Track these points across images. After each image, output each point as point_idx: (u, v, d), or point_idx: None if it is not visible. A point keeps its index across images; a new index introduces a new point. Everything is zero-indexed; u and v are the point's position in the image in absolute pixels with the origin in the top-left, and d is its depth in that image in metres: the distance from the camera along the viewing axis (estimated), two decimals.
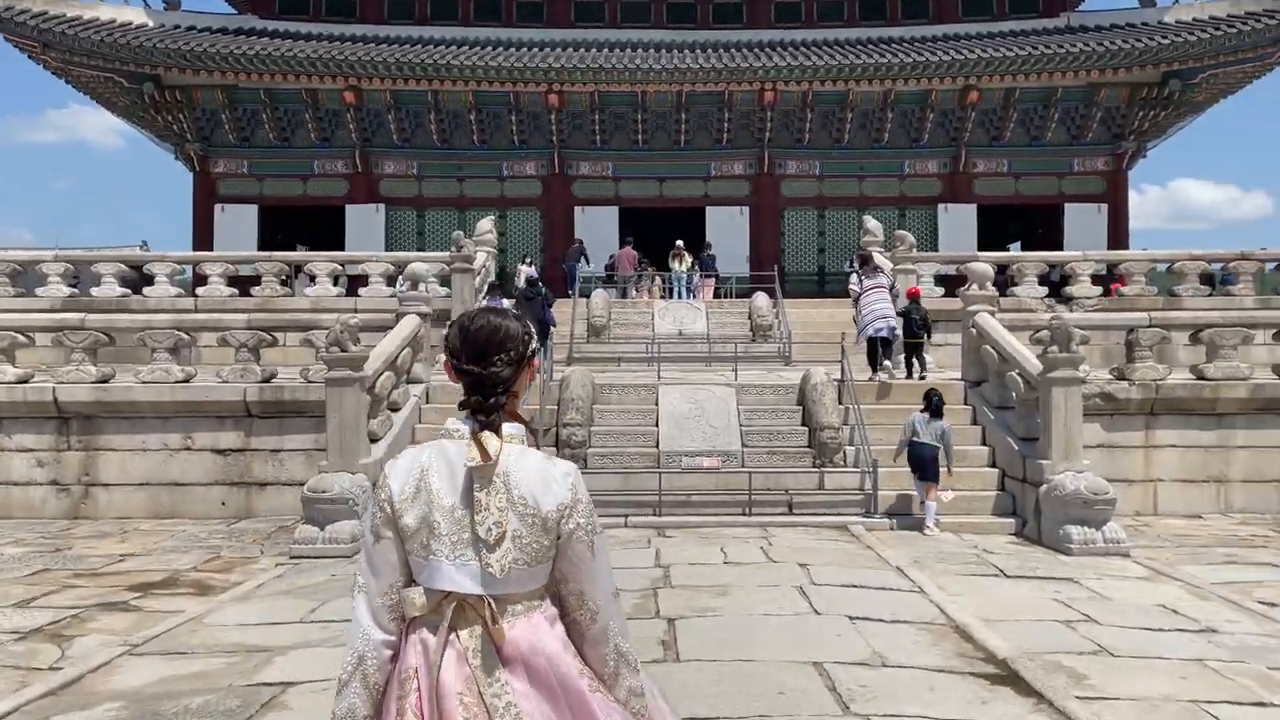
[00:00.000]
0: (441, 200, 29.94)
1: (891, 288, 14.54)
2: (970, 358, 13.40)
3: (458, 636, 2.27)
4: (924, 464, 11.47)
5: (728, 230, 29.45)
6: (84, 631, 7.70)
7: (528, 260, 25.54)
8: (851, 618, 7.34)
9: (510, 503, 2.29)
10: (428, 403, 13.23)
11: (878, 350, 14.17)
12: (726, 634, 6.93)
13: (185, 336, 13.32)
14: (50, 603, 8.61)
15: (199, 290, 18.52)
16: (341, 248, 27.67)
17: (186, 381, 13.11)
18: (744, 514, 11.68)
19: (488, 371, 2.37)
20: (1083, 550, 10.19)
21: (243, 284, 19.37)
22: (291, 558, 10.42)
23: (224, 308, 17.37)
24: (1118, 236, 28.98)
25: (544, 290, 18.98)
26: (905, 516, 11.64)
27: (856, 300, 14.69)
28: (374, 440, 11.64)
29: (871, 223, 19.62)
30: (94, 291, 18.16)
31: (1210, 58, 27.37)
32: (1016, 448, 11.75)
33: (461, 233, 17.40)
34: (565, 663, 2.33)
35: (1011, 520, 11.51)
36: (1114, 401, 12.81)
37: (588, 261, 25.31)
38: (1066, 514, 10.47)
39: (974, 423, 12.93)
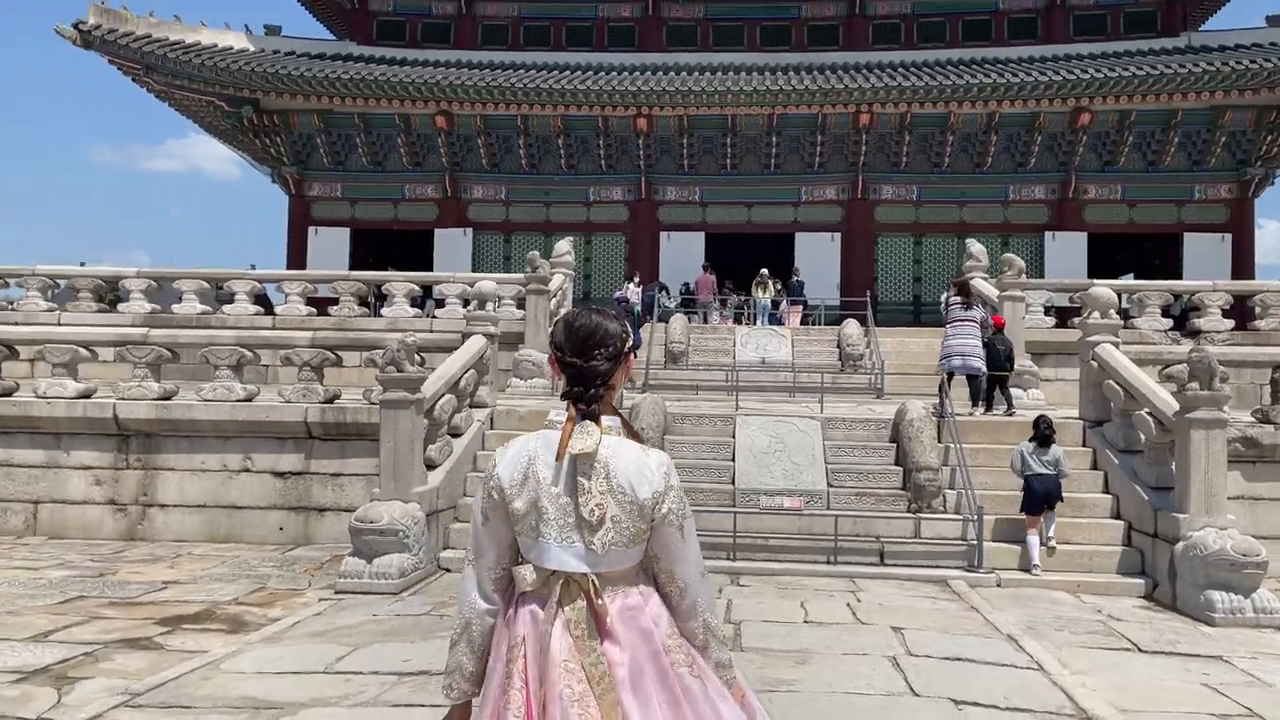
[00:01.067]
0: (528, 225, 29.37)
1: (981, 321, 13.52)
2: (1090, 394, 11.88)
3: (564, 610, 2.48)
4: (1046, 497, 10.26)
5: (817, 257, 28.17)
6: (92, 673, 6.89)
7: (635, 280, 24.73)
8: (957, 702, 6.05)
9: (610, 489, 2.48)
10: (492, 428, 12.32)
11: (946, 385, 12.86)
12: (804, 718, 5.73)
13: (248, 354, 12.69)
14: (70, 636, 7.86)
15: (278, 309, 18.09)
16: (429, 271, 27.27)
17: (248, 400, 12.47)
18: (828, 562, 10.41)
19: (588, 365, 2.55)
20: (1228, 621, 8.65)
21: (325, 304, 18.95)
22: (336, 592, 9.55)
23: (300, 326, 16.85)
24: (1242, 268, 26.68)
25: (636, 310, 18.12)
26: (1014, 571, 10.21)
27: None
28: (431, 467, 10.75)
29: (975, 246, 18.15)
30: (175, 308, 17.90)
31: None
32: (1146, 498, 10.21)
33: (537, 253, 16.59)
34: (656, 638, 2.51)
35: (1140, 581, 9.97)
36: (1257, 447, 11.14)
37: (668, 295, 24.37)
38: (1208, 577, 8.93)
39: (1094, 467, 11.41)
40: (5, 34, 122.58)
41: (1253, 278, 26.07)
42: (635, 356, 3.21)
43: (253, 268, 28.90)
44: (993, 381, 13.54)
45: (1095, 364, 11.70)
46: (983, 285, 17.10)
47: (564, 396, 2.60)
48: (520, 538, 2.55)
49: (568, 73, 27.87)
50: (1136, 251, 29.67)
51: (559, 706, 2.42)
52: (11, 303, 18.30)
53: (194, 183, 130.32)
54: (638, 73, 28.06)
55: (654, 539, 2.55)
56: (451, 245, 28.95)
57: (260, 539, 12.28)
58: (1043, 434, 10.56)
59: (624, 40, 30.51)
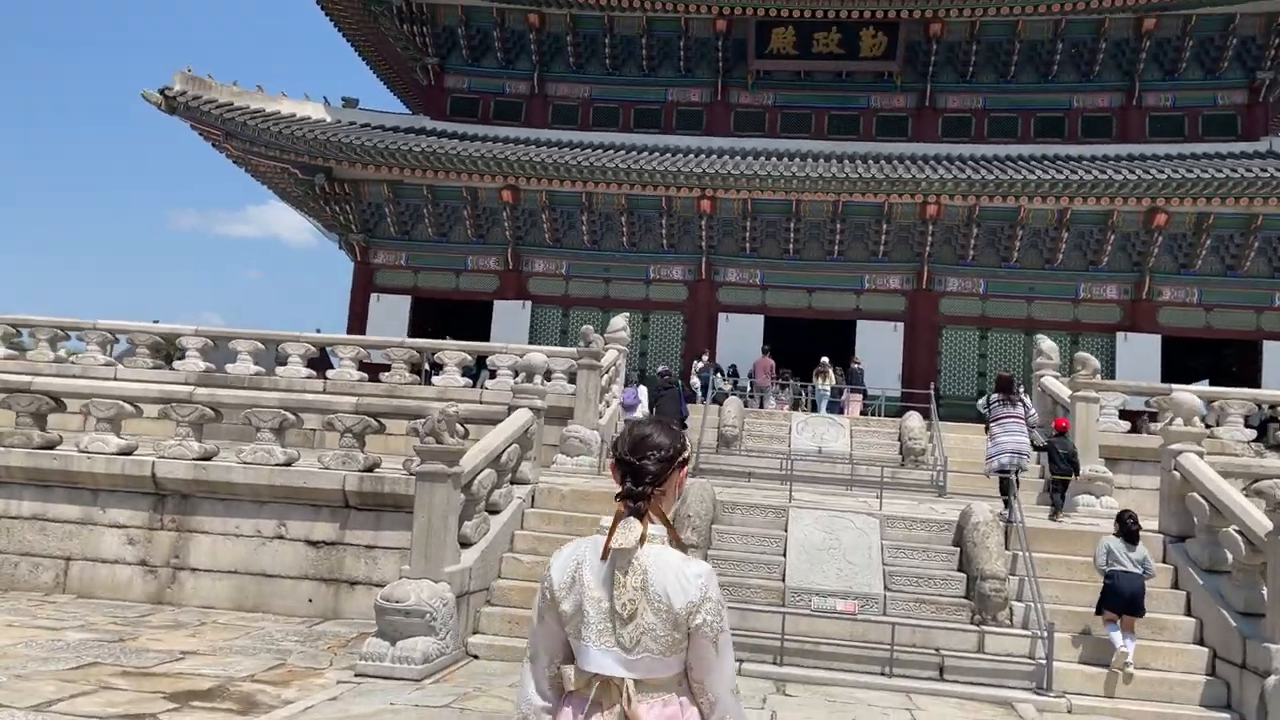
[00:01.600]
0: (587, 300, 29.21)
1: (1028, 417, 13.12)
2: (1172, 506, 11.03)
3: (600, 712, 2.59)
4: (1132, 599, 9.53)
5: (879, 346, 27.47)
6: None
7: (705, 357, 24.55)
8: None
9: (646, 596, 2.56)
10: (533, 507, 11.81)
11: (1011, 486, 12.47)
12: None
13: (291, 416, 12.42)
14: (73, 708, 7.43)
15: (329, 373, 17.95)
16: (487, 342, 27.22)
17: (288, 465, 12.15)
18: (883, 674, 9.61)
19: (639, 462, 2.69)
20: None
21: (379, 370, 18.80)
22: (355, 675, 9.03)
23: (349, 391, 16.63)
24: None
25: (678, 382, 17.62)
26: (1087, 696, 9.31)
27: (988, 427, 13.39)
28: (466, 545, 10.26)
29: (1046, 343, 17.41)
30: (229, 368, 17.84)
31: None
32: (1234, 624, 9.31)
33: (590, 327, 16.26)
34: None
35: (1225, 716, 9.01)
36: None
37: (724, 376, 23.85)
38: None
39: (1176, 586, 10.50)
40: (94, 100, 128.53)
41: None
42: (688, 470, 3.13)
43: (318, 331, 29.26)
44: (1056, 485, 13.24)
45: (1178, 474, 10.87)
46: (1054, 384, 16.33)
47: (617, 497, 2.70)
48: (570, 639, 2.65)
49: (634, 153, 27.96)
50: (1213, 357, 28.48)
51: None
52: (72, 355, 18.43)
53: (270, 248, 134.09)
54: (703, 155, 28.06)
55: (689, 649, 2.59)
56: (510, 317, 28.88)
57: (288, 610, 11.83)
58: (1129, 529, 9.94)
59: (691, 124, 30.62)
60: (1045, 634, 9.47)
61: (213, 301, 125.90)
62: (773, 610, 9.95)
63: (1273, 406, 17.41)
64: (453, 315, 29.73)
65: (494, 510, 11.00)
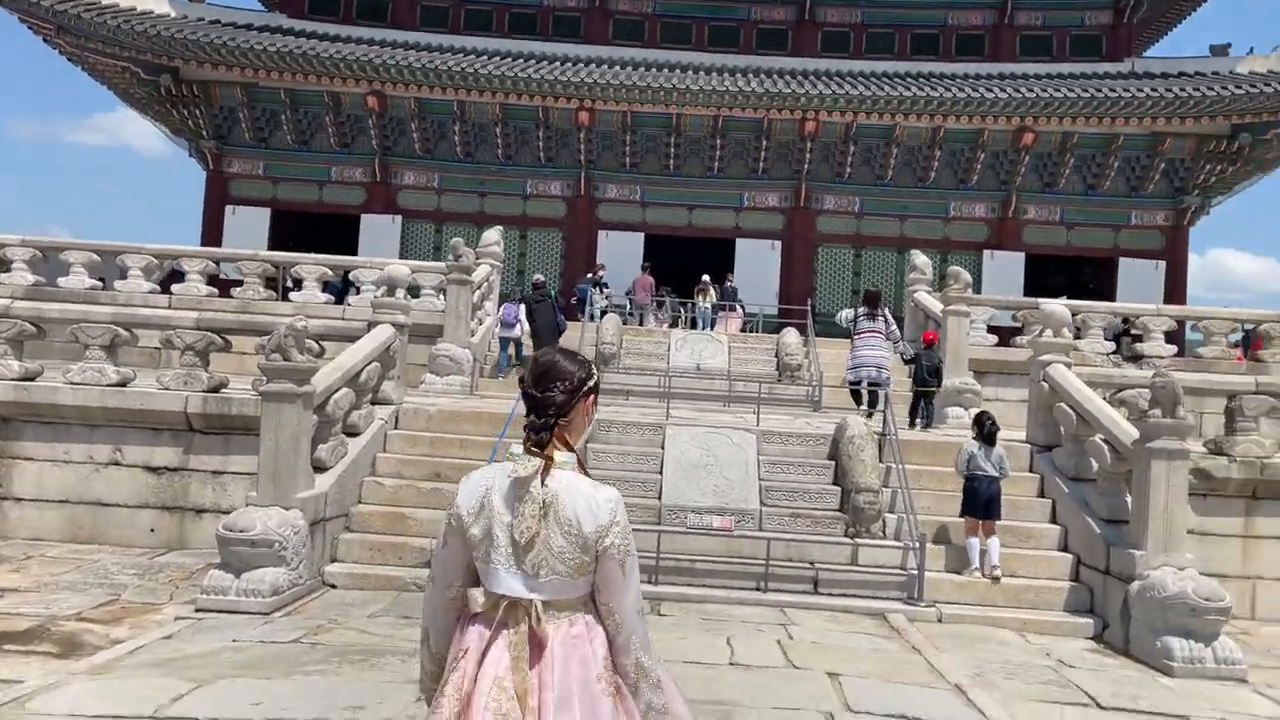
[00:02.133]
0: (461, 215, 27.99)
1: (888, 331, 13.71)
2: (1039, 417, 11.09)
3: (506, 631, 2.61)
4: (990, 501, 9.63)
5: (757, 264, 27.39)
6: None
7: (600, 273, 23.74)
8: None
9: (557, 523, 2.60)
10: (396, 428, 11.08)
11: (862, 396, 13.30)
12: None
13: (124, 333, 11.28)
14: None
15: (174, 287, 16.55)
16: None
17: (122, 385, 11.05)
18: (758, 589, 9.40)
19: (543, 395, 2.70)
20: (1187, 671, 7.84)
21: (233, 287, 17.44)
22: (197, 610, 8.27)
23: (196, 307, 15.37)
24: (1175, 296, 26.49)
25: (553, 294, 17.01)
26: (957, 605, 9.33)
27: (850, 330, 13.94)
28: (321, 470, 9.50)
29: (920, 259, 17.43)
30: (61, 282, 16.25)
31: None
32: (1098, 530, 9.41)
33: (461, 240, 15.37)
34: (593, 668, 2.61)
35: (1089, 621, 9.15)
36: (1210, 480, 10.47)
37: (602, 290, 23.23)
38: (1166, 622, 8.14)
39: (1042, 495, 10.60)
40: None
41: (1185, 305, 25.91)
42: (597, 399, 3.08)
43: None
44: (918, 397, 13.49)
45: (1046, 385, 10.91)
46: (926, 299, 16.36)
47: (524, 428, 2.71)
48: (476, 563, 2.68)
49: (508, 60, 26.63)
50: (1072, 274, 29.40)
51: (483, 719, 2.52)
52: None
53: (122, 159, 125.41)
54: (581, 64, 26.98)
55: (597, 572, 2.64)
56: (379, 232, 27.49)
57: (128, 541, 10.88)
58: (987, 431, 9.96)
59: (568, 31, 29.39)
60: (917, 545, 9.40)
61: (59, 215, 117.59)
62: (649, 529, 9.58)
63: (1127, 320, 17.92)
64: (317, 230, 28.09)
65: (353, 432, 10.24)
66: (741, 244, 27.99)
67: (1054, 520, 10.26)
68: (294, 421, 8.80)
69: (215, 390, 11.00)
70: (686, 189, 28.16)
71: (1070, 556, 9.74)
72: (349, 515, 9.77)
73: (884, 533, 10.07)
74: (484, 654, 2.59)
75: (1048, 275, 28.24)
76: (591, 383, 2.79)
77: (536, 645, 2.58)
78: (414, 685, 6.36)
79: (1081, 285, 29.54)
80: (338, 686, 6.27)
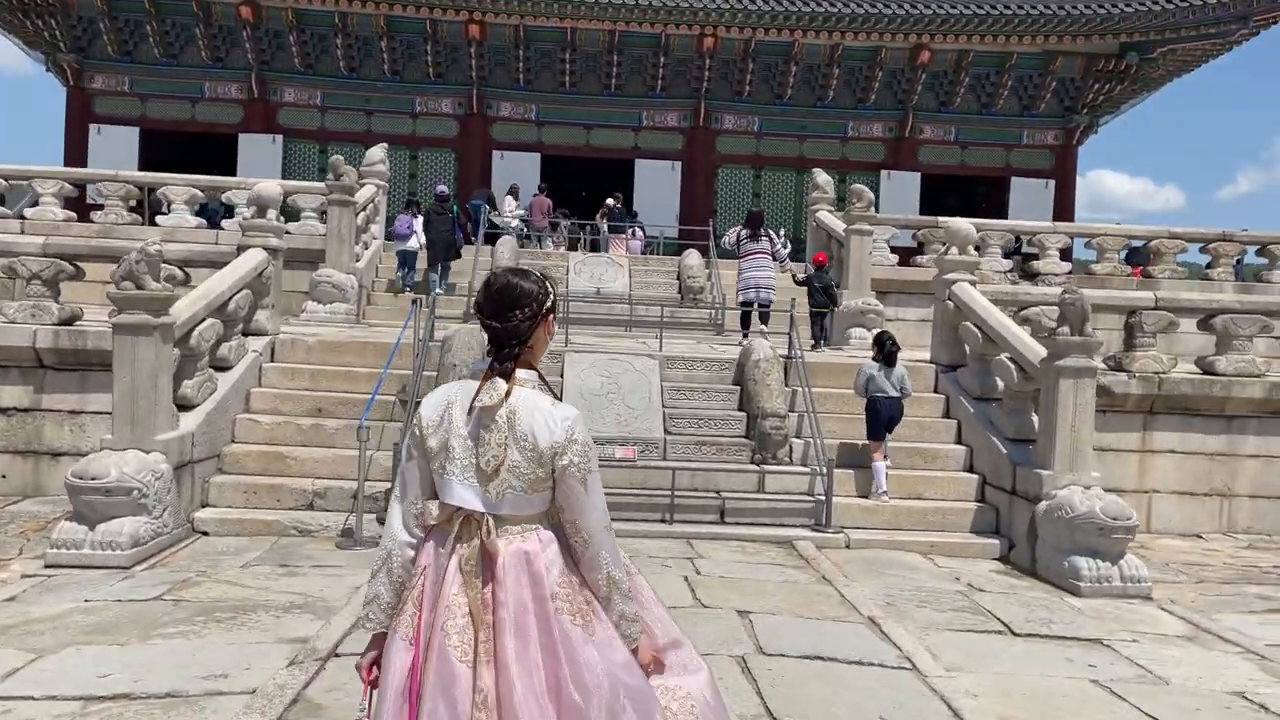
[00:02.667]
0: (346, 135, 26.33)
1: (774, 251, 13.88)
2: (944, 336, 10.82)
3: (460, 546, 2.58)
4: (891, 422, 9.49)
5: (657, 185, 26.68)
6: None
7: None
8: None
9: (513, 438, 2.55)
10: (272, 361, 10.17)
11: (751, 319, 13.35)
12: None
13: None
14: None
15: (27, 212, 15.02)
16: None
17: None
18: (664, 521, 8.96)
19: (505, 326, 2.62)
20: (1094, 590, 7.73)
21: (95, 211, 15.93)
22: (46, 566, 7.40)
23: (52, 233, 13.94)
24: (1064, 215, 26.79)
25: (455, 209, 16.08)
26: (864, 530, 9.07)
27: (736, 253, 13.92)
28: (186, 408, 8.59)
29: (821, 177, 16.98)
30: None
31: (1171, 31, 25.26)
32: (1004, 450, 9.22)
33: (341, 158, 14.24)
34: (546, 584, 2.54)
35: (995, 541, 9.00)
36: (1109, 396, 10.38)
37: (494, 207, 22.18)
38: (1074, 541, 7.99)
39: (947, 415, 10.38)
40: None
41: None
42: (555, 316, 2.82)
43: None
44: (815, 318, 13.50)
45: (951, 304, 10.62)
46: (828, 218, 15.96)
47: (486, 355, 2.69)
48: (434, 475, 2.66)
49: None
50: (966, 194, 29.53)
51: (439, 638, 2.50)
52: None
53: None
54: None
55: (558, 490, 2.60)
56: (259, 152, 25.71)
57: None
58: (887, 351, 9.69)
59: None
60: (824, 471, 9.07)
61: None
62: None
63: (1018, 238, 17.92)
64: (191, 151, 26.07)
65: (223, 366, 9.31)
66: (641, 165, 27.18)
67: (959, 441, 10.07)
68: (151, 356, 7.86)
69: (68, 322, 9.90)
70: (584, 108, 27.08)
71: (976, 477, 9.56)
72: (221, 456, 8.91)
73: (791, 459, 9.72)
74: (440, 570, 2.57)
75: (943, 195, 28.26)
76: (550, 301, 2.68)
77: (489, 560, 2.54)
78: (288, 645, 5.73)
79: (975, 205, 29.72)
80: (200, 650, 5.57)
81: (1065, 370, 8.41)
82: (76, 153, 25.27)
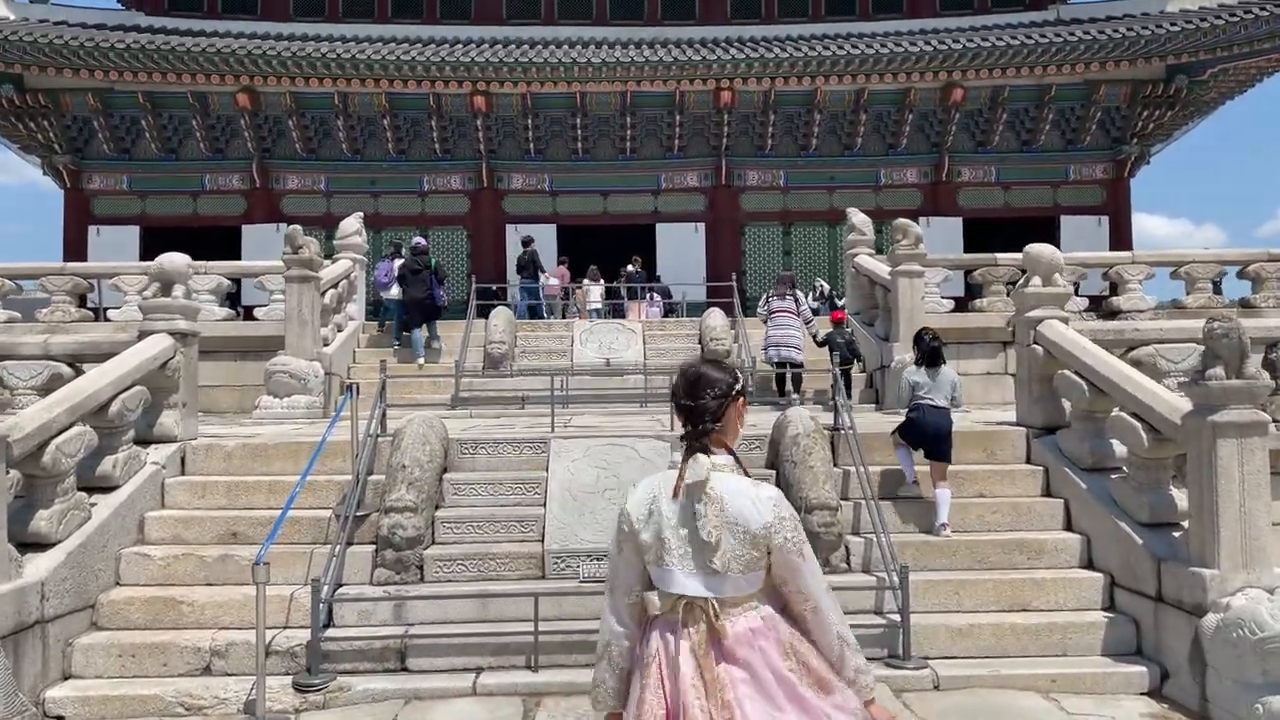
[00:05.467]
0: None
1: (800, 311, 12.85)
2: (1034, 391, 8.32)
3: (689, 631, 2.63)
4: (938, 437, 7.51)
5: (681, 248, 24.64)
6: None
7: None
8: None
9: (724, 521, 2.64)
10: (182, 474, 7.93)
11: (785, 381, 12.32)
12: None
13: None
14: None
15: None
16: None
17: None
18: None
19: (697, 403, 2.77)
20: None
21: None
22: None
23: None
24: (1121, 250, 24.17)
25: (433, 262, 14.24)
26: (953, 661, 6.52)
27: (766, 322, 12.90)
28: (42, 546, 6.37)
29: (858, 217, 14.68)
30: None
31: (1222, 49, 22.92)
32: (1139, 540, 6.66)
33: (299, 228, 12.33)
34: (776, 657, 2.64)
35: (1140, 668, 6.36)
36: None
37: (540, 271, 20.28)
38: (1266, 673, 5.40)
39: (1048, 493, 7.83)
40: None
41: None
42: (747, 401, 2.91)
43: None
44: (842, 375, 11.52)
45: (1040, 348, 8.15)
46: (869, 262, 13.64)
47: (682, 439, 2.83)
48: (650, 567, 2.72)
49: (393, 44, 23.43)
50: (1012, 237, 26.85)
51: (686, 716, 2.56)
52: None
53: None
54: (474, 45, 23.84)
55: (776, 566, 2.68)
56: (263, 243, 23.96)
57: None
58: (930, 349, 7.80)
59: (458, 13, 26.19)
60: (897, 581, 6.57)
61: None
62: (521, 593, 6.62)
63: (1076, 283, 15.42)
64: (194, 246, 24.24)
65: (107, 486, 7.11)
66: (662, 228, 25.15)
67: (1069, 527, 7.51)
68: None
69: None
70: (599, 174, 25.23)
71: (1100, 576, 6.97)
72: (96, 607, 6.63)
73: (848, 563, 7.24)
74: (673, 657, 2.62)
75: (987, 240, 25.71)
76: (739, 386, 2.83)
77: (716, 642, 2.61)
78: None
79: (1022, 248, 27.18)
80: None
81: (1224, 428, 5.89)
82: (76, 255, 23.73)
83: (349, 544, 7.18)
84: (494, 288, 19.37)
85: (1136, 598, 6.63)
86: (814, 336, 12.82)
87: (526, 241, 20.89)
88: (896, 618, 6.56)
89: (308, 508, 7.44)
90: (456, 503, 7.65)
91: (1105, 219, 25.09)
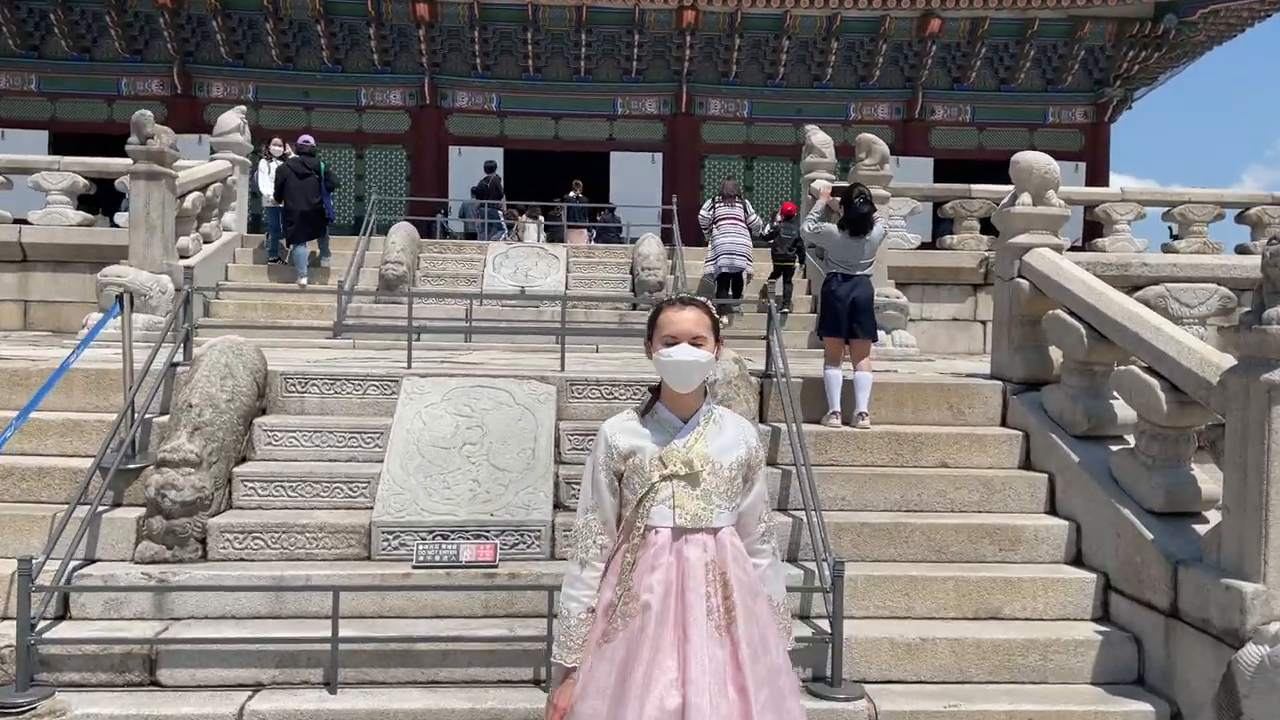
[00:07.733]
0: (283, 133, 22.23)
1: (748, 219, 12.18)
2: (1015, 335, 6.50)
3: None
4: (855, 311, 6.44)
5: (637, 179, 22.66)
6: None
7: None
8: None
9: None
10: None
11: (728, 289, 11.61)
12: None
13: None
14: None
15: None
16: None
17: None
18: (540, 684, 4.70)
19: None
20: None
21: None
22: None
23: None
24: None
25: (322, 166, 12.21)
26: (902, 688, 4.79)
27: (709, 233, 12.17)
28: None
29: (818, 136, 12.82)
30: None
31: None
32: (1148, 533, 4.92)
33: (149, 113, 10.29)
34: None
35: (1145, 706, 4.66)
36: None
37: (499, 194, 18.19)
38: None
39: (1027, 464, 6.06)
40: None
41: None
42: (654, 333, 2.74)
43: None
44: (778, 272, 11.92)
45: (1025, 282, 6.33)
46: (827, 184, 11.74)
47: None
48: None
49: None
50: (986, 180, 25.14)
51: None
52: None
53: None
54: None
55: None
56: (185, 155, 21.56)
57: None
58: (860, 214, 6.49)
59: None
60: (831, 575, 4.79)
61: None
62: (321, 585, 4.79)
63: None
64: (109, 154, 22.07)
65: None
66: (617, 157, 23.12)
67: (1054, 510, 5.76)
68: None
69: None
70: (551, 95, 23.06)
71: (1092, 576, 5.24)
72: None
73: (774, 553, 5.44)
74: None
75: (960, 182, 23.94)
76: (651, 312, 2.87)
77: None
78: None
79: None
80: None
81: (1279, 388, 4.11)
82: None
83: (116, 505, 5.32)
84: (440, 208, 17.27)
85: (1141, 609, 4.91)
86: (758, 232, 12.17)
87: (490, 168, 18.81)
88: (826, 627, 4.80)
89: (69, 455, 5.55)
90: (270, 454, 5.77)
91: (1083, 165, 23.29)
